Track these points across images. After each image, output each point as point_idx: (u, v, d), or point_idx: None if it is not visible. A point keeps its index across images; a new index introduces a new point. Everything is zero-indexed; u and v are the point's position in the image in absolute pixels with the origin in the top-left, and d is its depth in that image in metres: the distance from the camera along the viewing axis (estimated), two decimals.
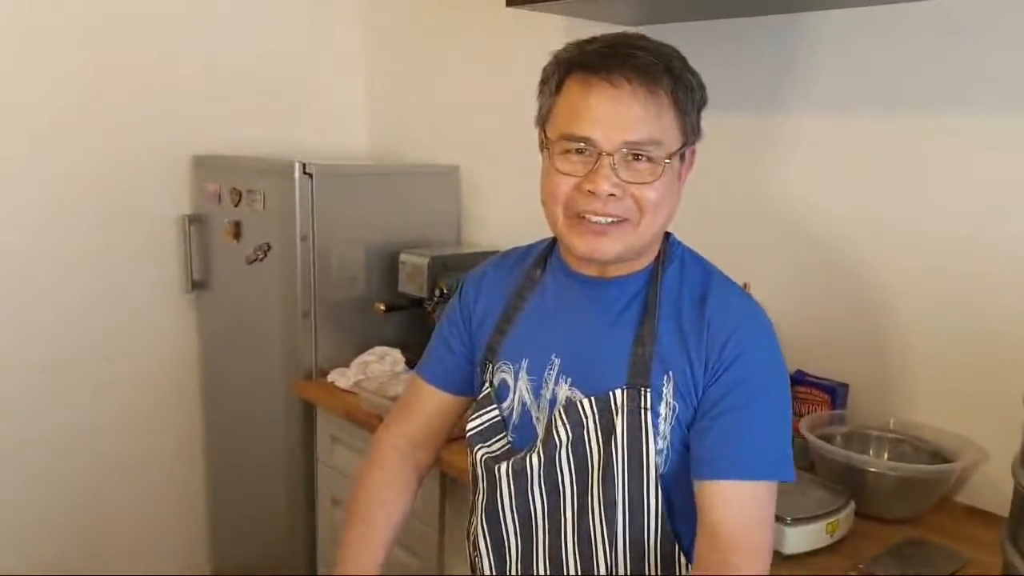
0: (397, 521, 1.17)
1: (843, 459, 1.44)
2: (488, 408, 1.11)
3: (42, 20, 2.11)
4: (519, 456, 1.07)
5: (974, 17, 1.46)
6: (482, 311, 1.16)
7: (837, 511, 1.33)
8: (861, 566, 1.25)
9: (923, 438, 1.55)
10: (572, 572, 1.04)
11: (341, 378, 2.08)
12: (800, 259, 1.77)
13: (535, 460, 1.05)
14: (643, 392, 0.98)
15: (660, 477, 1.00)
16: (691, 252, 1.10)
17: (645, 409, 0.98)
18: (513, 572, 1.09)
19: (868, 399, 1.67)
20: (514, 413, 1.09)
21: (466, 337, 1.18)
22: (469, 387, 1.18)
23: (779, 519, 1.28)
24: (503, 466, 1.07)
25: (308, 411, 2.15)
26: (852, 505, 1.37)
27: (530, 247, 1.19)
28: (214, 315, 2.47)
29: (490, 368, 1.12)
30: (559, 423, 1.03)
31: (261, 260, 2.20)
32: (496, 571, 1.11)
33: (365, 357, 2.13)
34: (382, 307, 2.20)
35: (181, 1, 2.32)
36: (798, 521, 1.28)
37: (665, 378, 0.99)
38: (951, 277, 1.54)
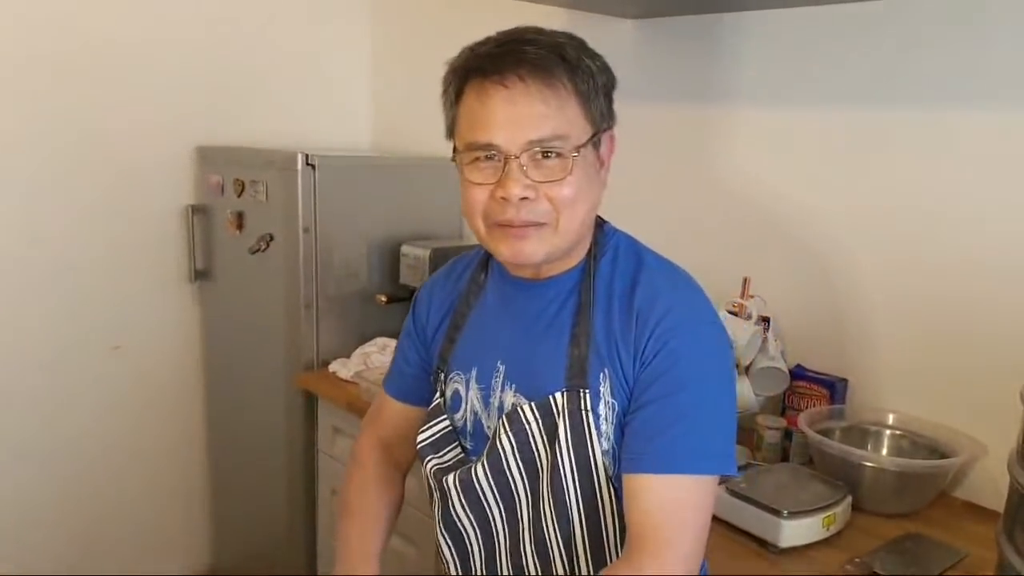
0: (388, 515, 1.18)
1: (840, 453, 1.44)
2: (438, 419, 1.10)
3: (44, 10, 2.11)
4: (464, 468, 1.06)
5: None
6: (435, 321, 1.14)
7: (833, 505, 1.33)
8: (858, 560, 1.26)
9: (922, 433, 1.56)
10: (532, 573, 1.03)
11: (343, 368, 2.08)
12: (798, 255, 1.77)
13: (480, 471, 1.03)
14: (581, 393, 0.96)
15: (613, 477, 0.97)
16: (627, 239, 1.06)
17: (585, 411, 0.95)
18: (477, 574, 1.09)
19: (867, 394, 1.67)
20: (467, 423, 1.08)
21: (422, 349, 1.16)
22: (424, 400, 1.16)
23: (775, 512, 1.29)
24: (450, 477, 1.06)
25: (309, 401, 2.16)
26: (849, 499, 1.37)
27: (477, 251, 1.15)
28: (217, 305, 2.48)
29: (442, 378, 1.11)
30: (502, 432, 1.01)
31: (263, 251, 2.21)
32: (459, 569, 1.10)
33: (367, 348, 2.14)
34: (384, 298, 2.21)
35: None
36: (794, 515, 1.28)
37: (601, 376, 0.96)
38: (951, 272, 1.54)
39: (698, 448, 0.91)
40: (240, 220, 2.28)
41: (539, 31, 0.94)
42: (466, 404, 1.07)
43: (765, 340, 1.67)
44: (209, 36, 2.39)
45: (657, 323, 0.94)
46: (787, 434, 1.65)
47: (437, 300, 1.15)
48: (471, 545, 1.09)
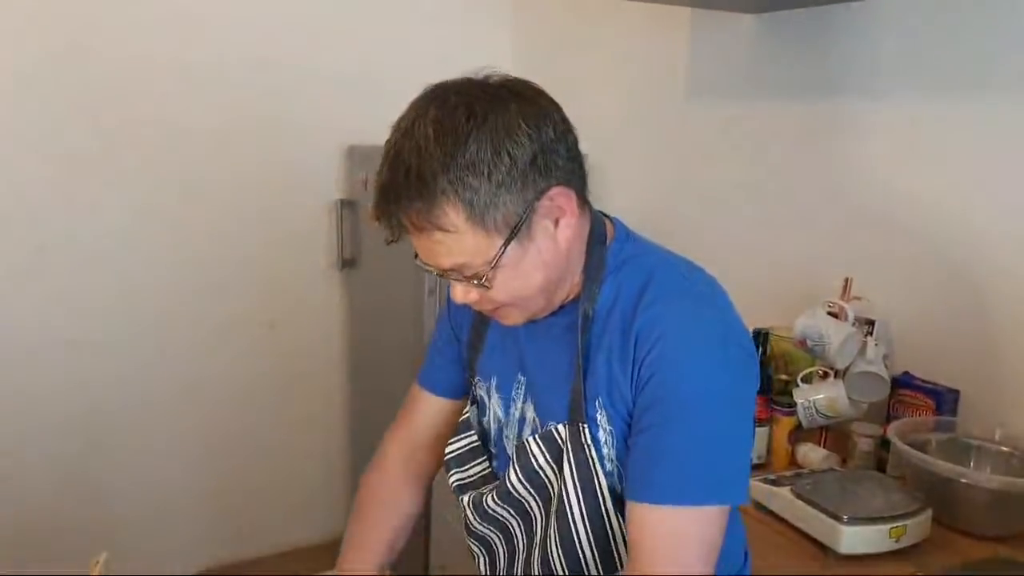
0: (399, 521, 1.19)
1: (925, 465, 1.36)
2: (466, 433, 1.11)
3: (218, 24, 2.42)
4: (476, 493, 1.08)
5: None
6: (463, 320, 1.14)
7: (905, 516, 1.26)
8: (919, 573, 1.19)
9: None
10: None
11: None
12: (909, 256, 1.67)
13: (490, 500, 1.05)
14: (581, 428, 0.95)
15: (620, 500, 0.96)
16: (636, 255, 0.99)
17: (586, 444, 0.95)
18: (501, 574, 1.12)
19: (980, 407, 1.55)
20: (491, 431, 1.10)
21: (455, 341, 1.16)
22: (462, 390, 1.16)
23: (835, 517, 1.25)
24: (465, 498, 1.09)
25: None
26: (928, 513, 1.29)
27: None
28: (361, 292, 2.71)
29: (472, 383, 1.12)
30: (510, 469, 1.02)
31: (396, 241, 2.38)
32: (487, 566, 1.13)
33: None
34: None
35: (339, 3, 2.56)
36: (856, 521, 1.24)
37: (597, 404, 0.94)
38: None
39: (697, 478, 0.88)
40: None
41: (421, 144, 0.86)
42: (489, 411, 1.10)
43: (865, 344, 1.59)
44: (363, 47, 2.60)
45: (653, 346, 0.89)
46: (884, 443, 1.57)
47: None
48: (496, 548, 1.12)
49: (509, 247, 0.89)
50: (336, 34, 2.57)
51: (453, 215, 0.86)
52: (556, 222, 0.92)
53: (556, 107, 0.93)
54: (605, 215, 1.03)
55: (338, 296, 2.76)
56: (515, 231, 0.88)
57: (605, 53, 2.44)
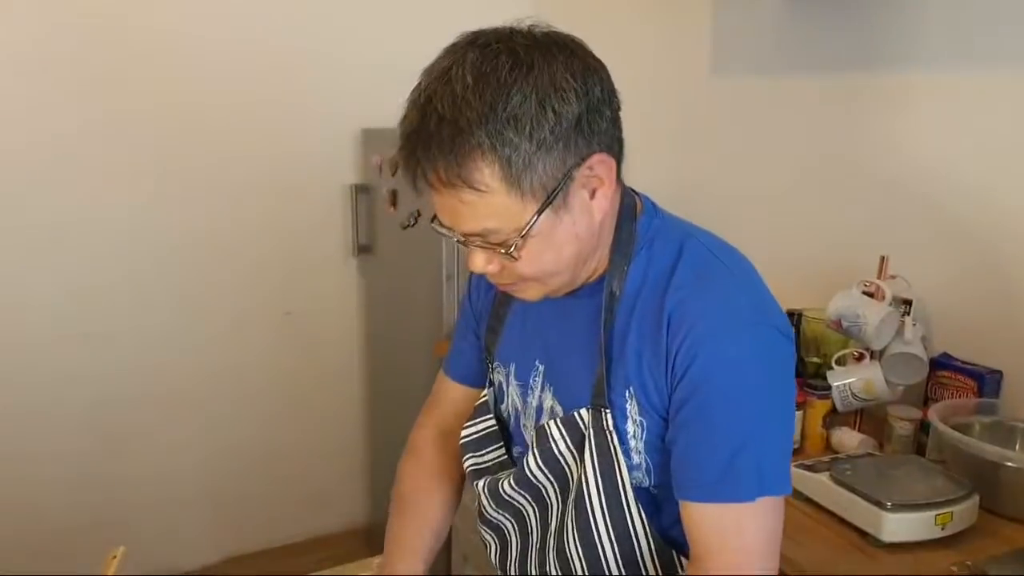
0: (443, 511, 1.13)
1: (970, 449, 1.30)
2: (483, 417, 1.07)
3: (231, 9, 2.37)
4: (492, 479, 1.04)
5: None
6: (485, 304, 1.09)
7: (951, 503, 1.21)
8: (969, 563, 1.13)
9: None
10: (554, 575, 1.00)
11: None
12: (947, 233, 1.61)
13: (507, 485, 1.01)
14: (603, 412, 0.90)
15: (644, 492, 0.92)
16: (666, 230, 0.93)
17: (608, 431, 0.90)
18: (510, 565, 1.07)
19: None
20: (511, 418, 1.05)
21: (475, 327, 1.11)
22: (486, 377, 1.11)
23: (878, 504, 1.20)
24: (480, 483, 1.05)
25: None
26: (975, 499, 1.23)
27: None
28: (377, 278, 2.67)
29: (490, 368, 1.07)
30: (530, 455, 0.97)
31: (413, 226, 2.34)
32: (499, 556, 1.09)
33: None
34: None
35: None
36: (899, 507, 1.18)
37: (627, 394, 0.89)
38: None
39: (741, 474, 0.83)
40: (394, 198, 2.43)
41: (458, 91, 0.77)
42: (508, 398, 1.05)
43: (902, 324, 1.53)
44: (377, 31, 2.55)
45: (688, 332, 0.83)
46: (924, 427, 1.51)
47: (486, 282, 1.05)
48: (509, 536, 1.08)
49: (543, 215, 0.81)
50: (350, 17, 2.52)
51: (487, 172, 0.78)
52: (593, 192, 0.85)
53: (602, 66, 0.85)
54: (632, 189, 0.97)
55: (354, 283, 2.72)
56: (551, 197, 0.81)
57: (628, 29, 2.37)
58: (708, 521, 0.84)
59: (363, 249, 2.67)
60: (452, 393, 1.15)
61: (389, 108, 2.90)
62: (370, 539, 2.82)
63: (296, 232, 2.58)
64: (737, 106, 2.10)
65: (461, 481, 1.16)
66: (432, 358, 2.30)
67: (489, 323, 1.07)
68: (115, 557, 1.27)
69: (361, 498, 2.87)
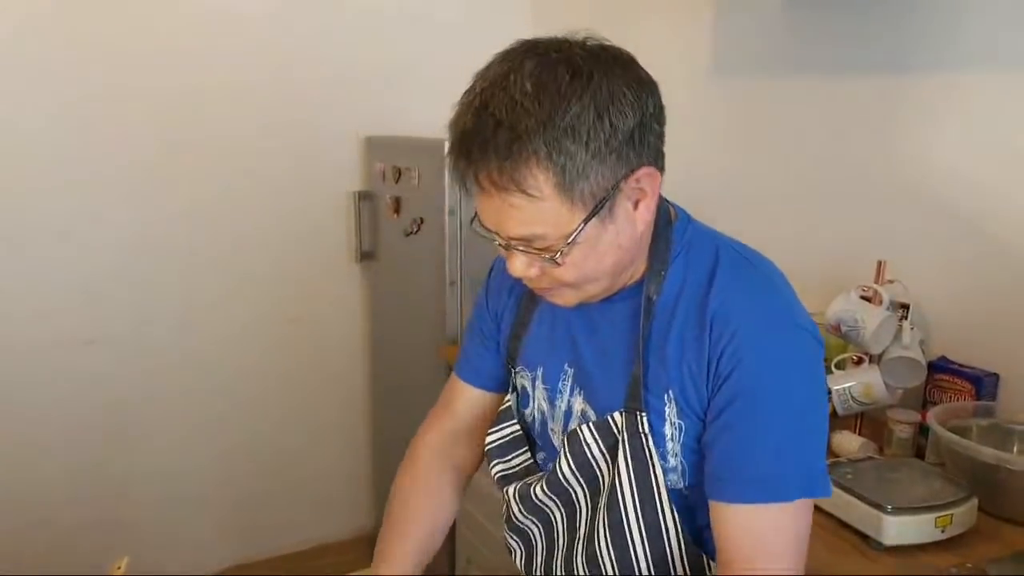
0: (431, 525, 1.12)
1: (969, 452, 1.32)
2: (507, 423, 1.07)
3: (235, 18, 2.39)
4: (523, 483, 1.05)
5: None
6: (507, 304, 1.09)
7: (951, 505, 1.22)
8: (970, 564, 1.15)
9: None
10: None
11: None
12: (943, 237, 1.63)
13: (538, 490, 1.02)
14: (639, 416, 0.91)
15: (677, 493, 0.93)
16: (700, 237, 0.96)
17: (644, 434, 0.91)
18: (536, 568, 1.08)
19: (1021, 391, 1.51)
20: (536, 422, 1.06)
21: (495, 329, 1.11)
22: (503, 382, 1.12)
23: (878, 507, 1.21)
24: (511, 489, 1.06)
25: (451, 373, 2.29)
26: (974, 501, 1.25)
27: None
28: (380, 284, 2.69)
29: (512, 372, 1.08)
30: (562, 457, 0.98)
31: (415, 233, 2.36)
32: (523, 562, 1.10)
33: None
34: None
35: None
36: (900, 511, 1.20)
37: (666, 397, 0.90)
38: None
39: (788, 476, 0.85)
40: (397, 204, 2.45)
41: (515, 97, 0.79)
42: (533, 402, 1.05)
43: (900, 328, 1.55)
44: (380, 38, 2.57)
45: (732, 335, 0.86)
46: (923, 430, 1.53)
47: (508, 283, 1.09)
48: (535, 541, 1.08)
49: (589, 223, 0.83)
50: (353, 26, 2.53)
51: (542, 179, 0.79)
52: (636, 204, 0.87)
53: (654, 81, 0.87)
54: (664, 198, 0.98)
55: (357, 289, 2.73)
56: (599, 207, 0.83)
57: (628, 31, 2.39)
58: (744, 522, 0.86)
59: (366, 256, 2.68)
60: (464, 398, 1.15)
61: (392, 116, 2.94)
62: (373, 547, 2.84)
63: (300, 239, 2.60)
64: (736, 108, 2.12)
65: (461, 489, 1.16)
66: (435, 364, 2.32)
67: (513, 328, 1.08)
68: (119, 567, 1.28)
69: (366, 505, 2.89)
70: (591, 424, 0.96)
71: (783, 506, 0.85)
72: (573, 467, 0.98)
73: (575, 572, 1.01)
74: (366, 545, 2.81)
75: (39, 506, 2.35)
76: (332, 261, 2.67)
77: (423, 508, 1.12)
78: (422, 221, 2.34)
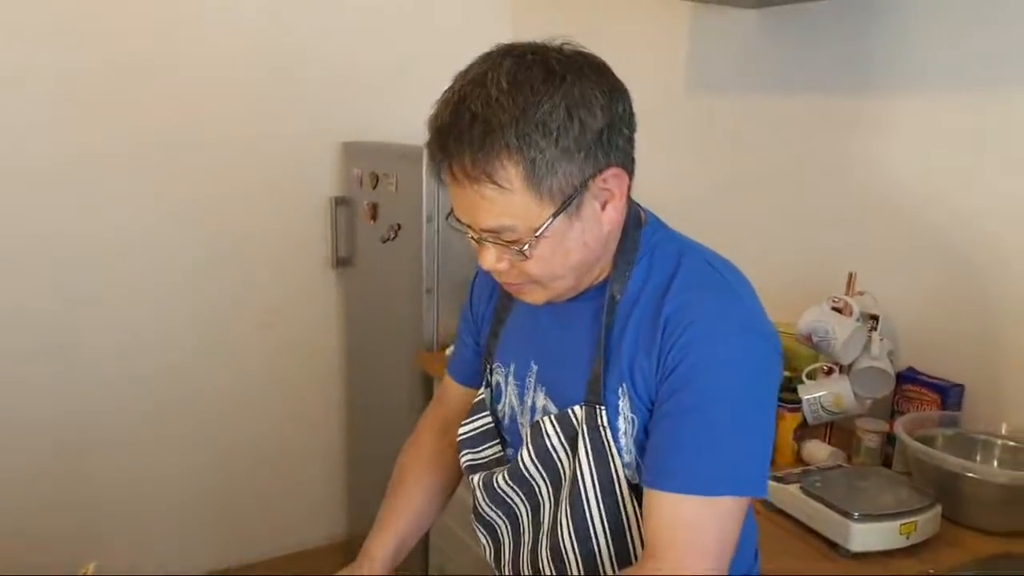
0: (430, 497, 1.17)
1: (934, 461, 1.35)
2: (480, 415, 1.11)
3: (213, 22, 2.39)
4: (488, 473, 1.07)
5: None
6: (485, 308, 1.14)
7: (915, 512, 1.25)
8: (932, 571, 1.18)
9: None
10: (547, 574, 1.03)
11: None
12: (912, 251, 1.67)
13: (500, 480, 1.05)
14: (598, 410, 0.94)
15: (636, 488, 0.95)
16: (669, 239, 0.99)
17: (603, 427, 0.94)
18: (504, 566, 1.10)
19: (985, 402, 1.54)
20: (506, 417, 1.09)
21: (476, 333, 1.16)
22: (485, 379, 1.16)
23: (845, 514, 1.24)
24: (476, 477, 1.09)
25: (428, 381, 2.29)
26: (937, 509, 1.28)
27: None
28: (356, 290, 2.68)
29: (488, 368, 1.12)
30: (523, 448, 1.01)
31: (392, 240, 2.36)
32: (492, 557, 1.13)
33: None
34: None
35: (334, 4, 2.53)
36: (866, 518, 1.23)
37: (620, 391, 0.93)
38: None
39: (718, 470, 0.86)
40: (375, 210, 2.46)
41: (491, 92, 0.83)
42: (505, 398, 1.09)
43: (870, 339, 1.58)
44: (359, 44, 2.58)
45: (682, 333, 0.88)
46: (890, 439, 1.56)
47: (488, 287, 1.14)
48: (502, 537, 1.11)
49: (557, 218, 0.86)
50: (330, 31, 2.54)
51: (512, 171, 0.84)
52: (604, 204, 0.90)
53: (626, 89, 0.91)
54: (638, 204, 1.01)
55: (333, 295, 2.73)
56: (567, 203, 0.86)
57: (604, 47, 2.41)
58: (665, 512, 0.87)
59: (343, 262, 2.68)
60: (453, 393, 1.21)
61: (369, 122, 2.94)
62: (348, 555, 2.82)
63: (275, 244, 2.59)
64: (710, 126, 2.15)
65: (455, 471, 1.20)
66: (411, 371, 2.32)
67: (491, 326, 1.12)
68: (87, 571, 1.27)
69: (340, 512, 2.88)
70: (552, 416, 0.99)
71: (705, 499, 0.86)
72: (534, 457, 1.00)
73: (540, 568, 1.03)
74: (341, 553, 2.80)
75: (8, 514, 2.31)
76: (308, 267, 2.67)
77: (422, 482, 1.18)
78: (399, 227, 2.34)
